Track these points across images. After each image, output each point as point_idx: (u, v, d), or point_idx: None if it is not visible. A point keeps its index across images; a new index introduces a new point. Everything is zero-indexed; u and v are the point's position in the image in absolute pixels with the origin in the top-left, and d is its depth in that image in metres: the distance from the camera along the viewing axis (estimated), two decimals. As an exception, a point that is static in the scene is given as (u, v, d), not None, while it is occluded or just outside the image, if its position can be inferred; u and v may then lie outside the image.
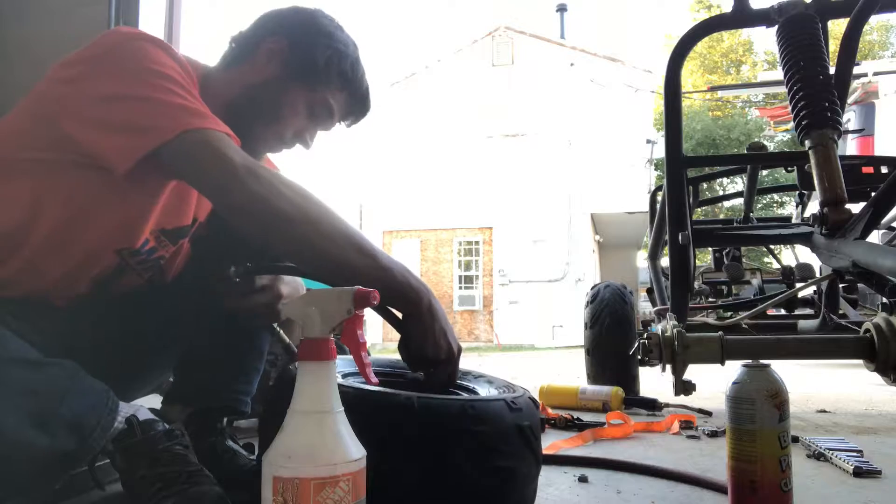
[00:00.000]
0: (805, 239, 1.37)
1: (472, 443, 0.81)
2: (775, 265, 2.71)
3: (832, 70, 1.30)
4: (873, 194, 1.19)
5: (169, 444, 0.93)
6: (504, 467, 0.83)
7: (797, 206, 2.26)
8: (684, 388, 1.14)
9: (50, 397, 0.81)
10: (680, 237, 1.35)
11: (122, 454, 0.91)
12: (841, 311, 1.84)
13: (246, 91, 1.01)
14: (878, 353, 1.00)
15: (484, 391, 1.03)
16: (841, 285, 1.85)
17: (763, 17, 1.36)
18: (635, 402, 2.26)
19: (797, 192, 2.10)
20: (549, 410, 2.10)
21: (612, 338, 2.51)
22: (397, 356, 1.10)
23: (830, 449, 1.45)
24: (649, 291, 2.30)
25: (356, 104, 1.09)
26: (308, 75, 1.02)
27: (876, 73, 5.51)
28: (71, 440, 0.82)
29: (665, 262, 1.81)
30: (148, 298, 1.07)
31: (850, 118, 5.10)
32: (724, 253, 2.31)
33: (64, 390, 0.83)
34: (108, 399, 0.90)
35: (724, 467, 1.01)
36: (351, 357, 0.92)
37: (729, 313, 2.29)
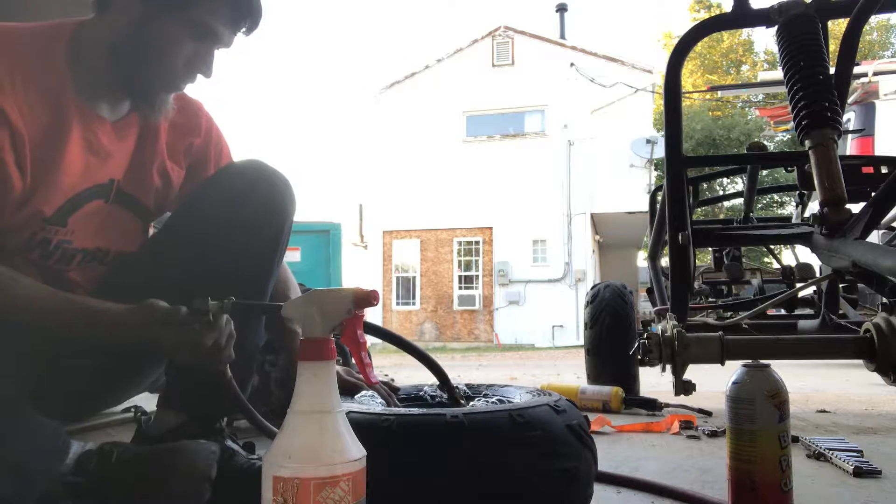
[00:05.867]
0: (805, 239, 1.36)
1: (530, 450, 0.81)
2: (775, 265, 2.70)
3: (832, 70, 1.30)
4: (873, 194, 1.19)
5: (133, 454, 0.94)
6: (565, 469, 0.83)
7: (797, 206, 2.25)
8: (684, 388, 1.14)
9: None
10: (680, 237, 1.35)
11: (104, 486, 0.92)
12: (841, 311, 1.83)
13: (120, 34, 0.97)
14: (878, 353, 1.00)
15: (518, 398, 1.03)
16: (841, 285, 1.85)
17: (763, 17, 1.36)
18: (635, 402, 2.26)
19: (797, 192, 2.09)
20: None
21: (612, 338, 2.51)
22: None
23: (830, 449, 1.45)
24: (649, 291, 2.30)
25: (240, 11, 1.01)
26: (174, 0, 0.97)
27: (876, 73, 5.50)
28: (9, 484, 0.81)
29: (665, 262, 1.81)
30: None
31: (850, 118, 5.08)
32: (724, 253, 2.31)
33: (3, 433, 0.82)
34: (56, 439, 0.90)
35: (724, 467, 1.01)
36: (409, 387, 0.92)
37: (729, 313, 2.29)
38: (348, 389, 1.15)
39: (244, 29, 1.04)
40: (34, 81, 0.93)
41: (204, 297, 0.93)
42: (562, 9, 17.35)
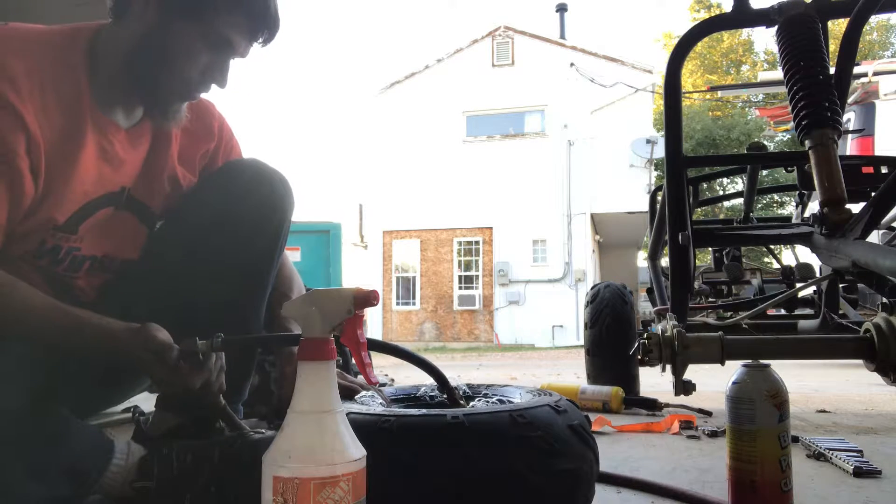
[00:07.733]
0: (805, 239, 1.36)
1: (531, 450, 0.81)
2: (775, 265, 2.71)
3: (832, 70, 1.30)
4: (873, 194, 1.19)
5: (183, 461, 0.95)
6: (566, 469, 0.83)
7: (797, 206, 2.26)
8: (684, 388, 1.14)
9: (47, 447, 0.81)
10: (680, 237, 1.35)
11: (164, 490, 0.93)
12: (841, 311, 1.83)
13: (136, 42, 0.96)
14: (878, 353, 1.00)
15: (518, 398, 1.03)
16: (841, 285, 1.85)
17: (763, 17, 1.36)
18: (635, 402, 2.26)
19: (797, 192, 2.10)
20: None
21: (612, 338, 2.51)
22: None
23: (830, 449, 1.45)
24: (649, 291, 2.30)
25: (257, 22, 1.00)
26: (191, 9, 0.95)
27: (876, 73, 5.50)
28: (67, 486, 0.83)
29: (665, 262, 1.81)
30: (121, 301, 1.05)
31: (850, 118, 5.08)
32: (724, 253, 2.31)
33: (60, 438, 0.83)
34: (102, 440, 0.90)
35: (724, 467, 1.01)
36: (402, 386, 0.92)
37: (729, 313, 2.29)
38: (345, 394, 1.15)
39: (261, 40, 1.03)
40: (52, 87, 0.92)
41: (192, 338, 0.93)
42: (562, 9, 17.35)
